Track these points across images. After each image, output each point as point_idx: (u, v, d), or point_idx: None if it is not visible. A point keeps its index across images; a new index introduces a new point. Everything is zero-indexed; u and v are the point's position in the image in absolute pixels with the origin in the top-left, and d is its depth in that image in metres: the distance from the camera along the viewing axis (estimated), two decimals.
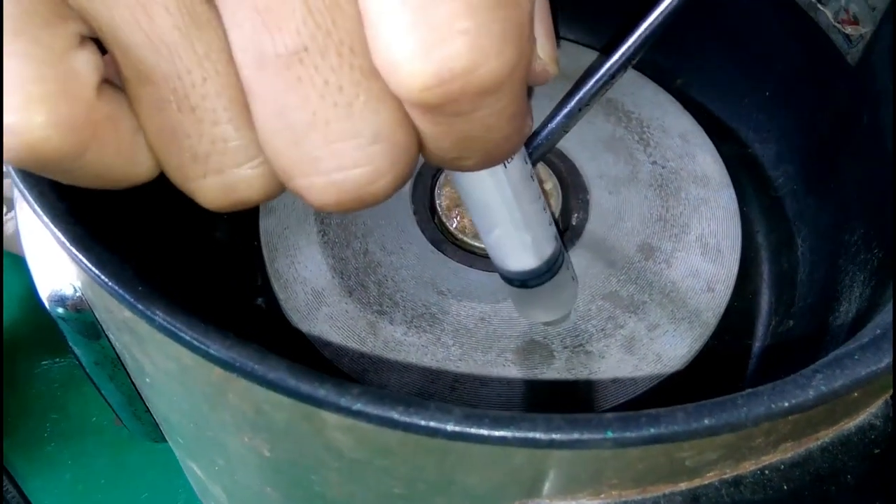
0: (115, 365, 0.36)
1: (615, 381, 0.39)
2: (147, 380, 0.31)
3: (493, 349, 0.39)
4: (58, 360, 0.56)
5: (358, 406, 0.22)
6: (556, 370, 0.39)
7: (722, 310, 0.41)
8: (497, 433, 0.22)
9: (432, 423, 0.22)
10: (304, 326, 0.40)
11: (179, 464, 0.45)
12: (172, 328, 0.23)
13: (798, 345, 0.42)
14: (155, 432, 0.41)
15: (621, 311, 0.41)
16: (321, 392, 0.22)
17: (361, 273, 0.41)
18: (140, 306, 0.23)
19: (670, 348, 0.40)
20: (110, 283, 0.24)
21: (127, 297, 0.23)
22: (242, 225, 0.45)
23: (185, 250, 0.44)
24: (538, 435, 0.22)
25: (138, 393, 0.37)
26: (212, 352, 0.23)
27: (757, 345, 0.43)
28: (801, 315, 0.43)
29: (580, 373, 0.39)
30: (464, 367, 0.39)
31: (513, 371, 0.39)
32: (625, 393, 0.39)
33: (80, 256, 0.24)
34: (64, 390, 0.54)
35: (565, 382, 0.38)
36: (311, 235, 0.42)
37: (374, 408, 0.22)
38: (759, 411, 0.22)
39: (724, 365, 0.42)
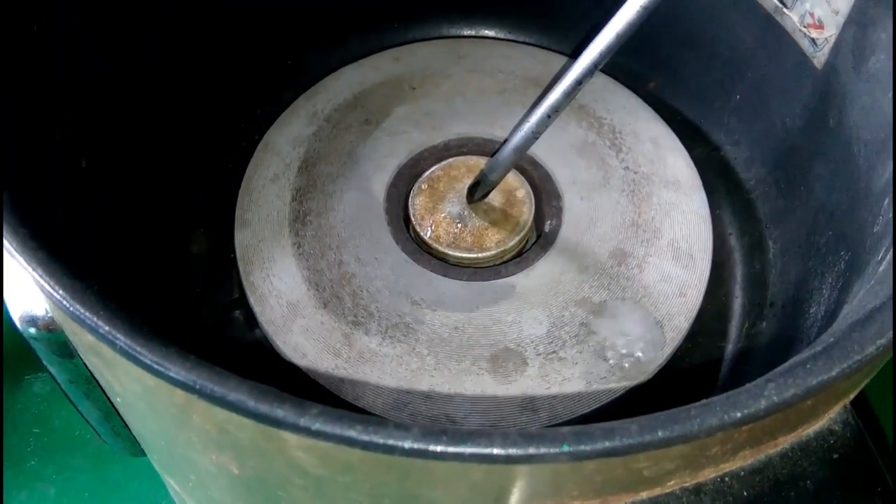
0: (89, 383, 0.36)
1: (589, 386, 0.39)
2: (118, 399, 0.31)
3: (467, 358, 0.40)
4: (41, 374, 0.56)
5: (317, 426, 0.22)
6: (529, 377, 0.39)
7: (694, 314, 0.42)
8: (453, 450, 0.22)
9: (390, 441, 0.22)
10: (280, 339, 0.40)
11: None
12: (133, 352, 0.23)
13: (771, 346, 0.42)
14: (134, 447, 0.41)
15: (594, 316, 0.41)
16: (279, 413, 0.22)
17: (336, 284, 0.42)
18: (101, 331, 0.24)
19: (643, 353, 0.40)
20: (71, 308, 0.24)
21: (88, 321, 0.24)
22: (218, 238, 0.45)
23: (161, 265, 0.44)
24: (494, 451, 0.22)
25: (115, 409, 0.38)
26: (172, 374, 0.23)
27: (730, 347, 0.44)
28: (773, 316, 0.43)
29: (554, 380, 0.39)
30: (438, 376, 0.39)
31: (487, 379, 0.39)
32: (598, 398, 0.39)
33: (42, 281, 0.25)
34: (47, 404, 0.55)
35: (539, 390, 0.39)
36: (286, 247, 0.43)
37: (332, 427, 0.22)
38: (712, 422, 0.23)
39: (698, 368, 0.43)
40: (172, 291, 0.44)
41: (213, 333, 0.43)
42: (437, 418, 0.38)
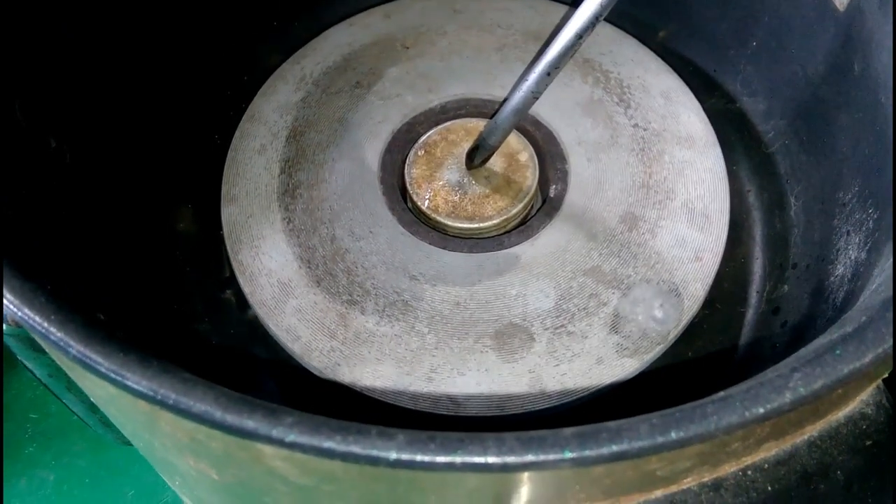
0: (70, 376, 0.34)
1: (601, 361, 0.37)
2: (91, 399, 0.29)
3: (469, 335, 0.37)
4: None
5: (291, 437, 0.20)
6: (537, 354, 0.37)
7: (711, 279, 0.39)
8: (443, 459, 0.20)
9: (373, 452, 0.20)
10: (272, 321, 0.38)
11: None
12: (87, 360, 0.21)
13: (794, 311, 0.40)
14: (125, 437, 0.40)
15: (604, 287, 0.38)
16: (250, 423, 0.20)
17: (329, 261, 0.39)
18: (52, 337, 0.21)
19: (657, 324, 0.38)
20: (19, 313, 0.22)
21: (38, 327, 0.22)
22: (207, 214, 0.43)
23: (147, 245, 0.42)
24: (489, 459, 0.20)
25: None
26: (129, 384, 0.21)
27: (750, 312, 0.41)
28: (796, 278, 0.40)
29: (563, 356, 0.37)
30: (440, 355, 0.37)
31: (492, 358, 0.37)
32: (611, 374, 0.37)
33: None
34: (43, 389, 0.53)
35: (548, 367, 0.37)
36: (276, 223, 0.40)
37: (308, 438, 0.20)
38: (732, 420, 0.20)
39: (717, 336, 0.40)
40: (160, 272, 0.42)
41: (205, 316, 0.41)
42: (438, 401, 0.36)
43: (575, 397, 0.36)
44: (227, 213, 0.41)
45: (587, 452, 0.20)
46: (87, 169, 0.38)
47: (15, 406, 0.52)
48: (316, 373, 0.37)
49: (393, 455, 0.20)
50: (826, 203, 0.39)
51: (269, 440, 0.20)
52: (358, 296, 0.38)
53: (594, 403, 0.36)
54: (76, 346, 0.21)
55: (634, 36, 0.47)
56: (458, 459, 0.20)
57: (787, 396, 0.20)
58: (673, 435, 0.20)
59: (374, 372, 0.37)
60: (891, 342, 0.21)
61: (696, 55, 0.47)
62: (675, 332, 0.38)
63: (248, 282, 0.39)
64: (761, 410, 0.20)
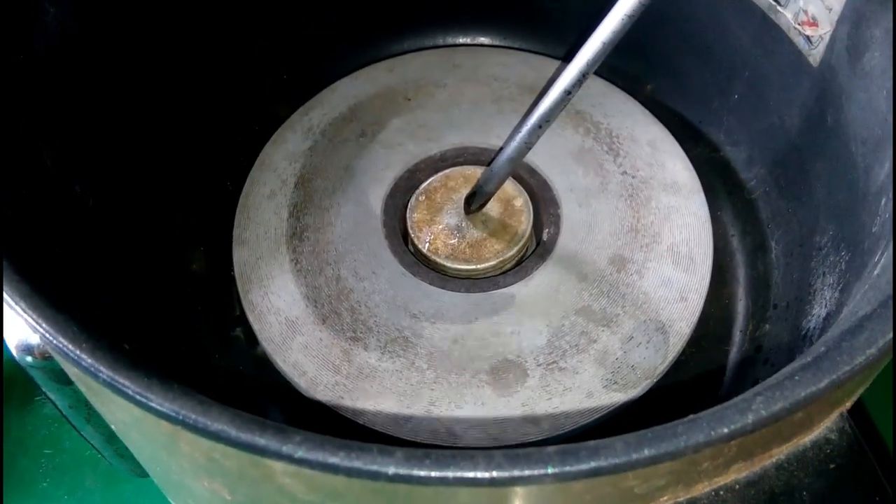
0: (89, 407, 0.36)
1: (591, 396, 0.39)
2: (112, 426, 0.31)
3: (467, 370, 0.39)
4: None
5: (300, 453, 0.22)
6: (530, 389, 0.39)
7: (696, 318, 0.41)
8: (437, 474, 0.22)
9: (374, 467, 0.22)
10: (279, 357, 0.40)
11: None
12: (116, 384, 0.23)
13: (776, 349, 0.42)
14: (139, 468, 0.42)
15: (594, 325, 0.41)
16: (262, 441, 0.22)
17: (334, 300, 0.42)
18: (84, 363, 0.24)
19: (645, 360, 0.40)
20: (54, 341, 0.24)
21: (70, 354, 0.24)
22: (219, 256, 0.45)
23: (162, 285, 0.44)
24: (478, 474, 0.22)
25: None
26: (153, 405, 0.23)
27: (734, 350, 0.43)
28: (778, 318, 0.43)
29: (555, 390, 0.39)
30: (438, 390, 0.39)
31: (487, 392, 0.39)
32: (601, 408, 0.39)
33: (25, 314, 0.25)
34: (58, 425, 0.55)
35: (540, 401, 0.39)
36: (284, 264, 0.43)
37: (315, 454, 0.22)
38: (699, 439, 0.22)
39: (703, 373, 0.42)
40: (174, 310, 0.44)
41: (216, 352, 0.43)
42: (437, 433, 0.38)
43: (566, 429, 0.38)
44: (238, 255, 0.43)
45: (567, 468, 0.22)
46: (109, 213, 0.41)
47: (30, 442, 0.54)
48: (321, 405, 0.39)
49: (391, 470, 0.22)
50: (804, 246, 0.42)
51: (280, 456, 0.22)
52: (361, 333, 0.40)
53: (584, 435, 0.38)
54: (106, 371, 0.23)
55: (623, 89, 0.49)
56: (450, 474, 0.22)
57: (750, 417, 0.23)
58: (646, 452, 0.22)
59: (375, 405, 0.39)
60: (844, 369, 0.23)
61: (682, 107, 0.50)
62: (661, 368, 0.40)
63: (257, 319, 0.41)
64: (725, 430, 0.22)
